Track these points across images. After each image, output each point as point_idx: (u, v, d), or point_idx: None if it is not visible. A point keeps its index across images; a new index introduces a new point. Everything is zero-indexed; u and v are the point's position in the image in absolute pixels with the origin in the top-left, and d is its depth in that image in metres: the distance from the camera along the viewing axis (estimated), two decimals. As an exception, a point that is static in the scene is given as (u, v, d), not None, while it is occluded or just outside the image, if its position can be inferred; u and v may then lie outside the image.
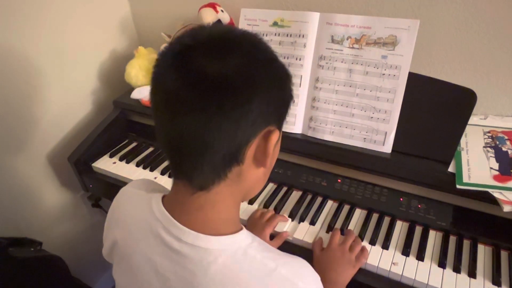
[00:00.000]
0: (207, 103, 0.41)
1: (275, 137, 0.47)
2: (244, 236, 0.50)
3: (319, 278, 0.51)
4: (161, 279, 0.49)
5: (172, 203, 0.51)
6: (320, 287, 0.51)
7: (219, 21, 1.11)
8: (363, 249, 0.80)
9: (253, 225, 0.87)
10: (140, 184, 0.61)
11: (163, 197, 0.53)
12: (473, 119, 0.94)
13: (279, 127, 0.49)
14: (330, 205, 0.94)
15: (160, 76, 0.45)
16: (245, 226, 0.50)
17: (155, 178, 1.07)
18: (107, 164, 1.15)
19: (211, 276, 0.45)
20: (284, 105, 0.50)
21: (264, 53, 0.47)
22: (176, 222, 0.48)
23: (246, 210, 0.94)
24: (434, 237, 0.83)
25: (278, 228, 0.87)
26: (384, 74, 0.87)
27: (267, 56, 0.47)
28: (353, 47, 0.89)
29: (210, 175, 0.46)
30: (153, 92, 0.47)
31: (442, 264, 0.76)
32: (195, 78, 0.41)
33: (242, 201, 0.55)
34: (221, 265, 0.45)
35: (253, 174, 0.50)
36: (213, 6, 1.09)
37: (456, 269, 0.75)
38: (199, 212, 0.48)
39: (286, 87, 0.49)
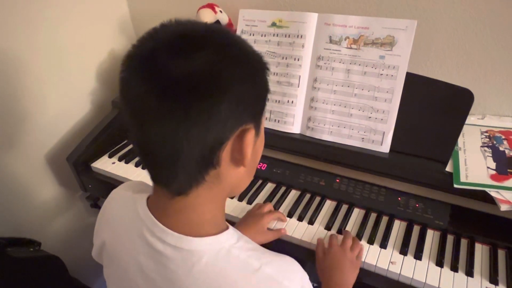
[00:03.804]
0: (172, 109, 0.39)
1: (251, 135, 0.45)
2: (229, 235, 0.49)
3: (306, 276, 0.51)
4: (147, 280, 0.49)
5: (154, 205, 0.50)
6: (307, 286, 0.51)
7: (217, 21, 1.12)
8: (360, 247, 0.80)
9: (252, 215, 0.87)
10: (129, 185, 0.61)
11: (148, 198, 0.52)
12: (470, 119, 0.95)
13: (256, 124, 0.47)
14: (328, 205, 0.94)
15: (126, 82, 0.43)
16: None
17: (154, 178, 1.07)
18: (106, 164, 1.15)
19: (194, 277, 0.45)
20: (260, 100, 0.47)
21: (233, 47, 0.44)
22: (159, 224, 0.48)
23: (244, 209, 0.94)
24: (431, 236, 0.83)
25: (276, 227, 0.88)
26: (382, 74, 0.87)
27: (237, 50, 0.44)
28: (351, 48, 0.90)
29: (186, 180, 0.45)
30: (120, 99, 0.44)
31: (439, 263, 0.76)
32: (159, 84, 0.39)
33: (229, 197, 0.54)
34: (204, 265, 0.45)
35: (233, 174, 0.48)
36: (211, 6, 1.10)
37: (454, 268, 0.75)
38: (181, 215, 0.48)
39: (260, 81, 0.46)
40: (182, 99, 0.39)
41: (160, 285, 0.48)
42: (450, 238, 0.82)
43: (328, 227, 0.87)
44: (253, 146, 0.47)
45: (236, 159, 0.46)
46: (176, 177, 0.44)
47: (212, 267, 0.45)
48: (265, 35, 0.98)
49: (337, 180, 0.96)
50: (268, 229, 0.86)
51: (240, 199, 0.97)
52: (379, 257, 0.79)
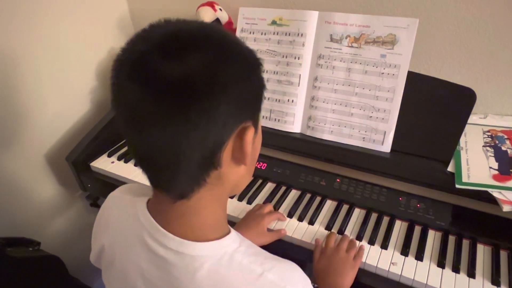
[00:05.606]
0: (171, 113, 0.38)
1: (251, 133, 0.44)
2: (231, 240, 0.48)
3: (309, 281, 0.50)
4: (148, 285, 0.48)
5: (155, 209, 0.50)
6: None
7: (217, 20, 1.11)
8: (359, 248, 0.79)
9: (252, 216, 0.86)
10: (128, 188, 0.60)
11: (148, 201, 0.51)
12: (472, 118, 0.94)
13: (255, 121, 0.46)
14: (329, 205, 0.94)
15: (118, 88, 0.42)
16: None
17: (154, 177, 1.06)
18: (106, 164, 1.14)
19: (197, 283, 0.44)
20: (257, 97, 0.46)
21: (226, 46, 0.42)
22: (160, 228, 0.47)
23: (244, 209, 0.93)
24: (433, 237, 0.82)
25: (276, 227, 0.87)
26: (383, 73, 0.86)
27: (231, 49, 0.43)
28: (352, 46, 0.89)
29: (188, 184, 0.44)
30: (114, 106, 0.43)
31: (441, 264, 0.76)
32: (154, 88, 0.38)
33: (229, 196, 0.54)
34: (207, 271, 0.44)
35: (235, 173, 0.47)
36: (211, 4, 1.09)
37: (455, 269, 0.74)
38: (183, 219, 0.47)
39: (256, 78, 0.45)
40: (179, 102, 0.38)
41: None
42: (451, 239, 0.81)
43: (328, 227, 0.86)
44: (253, 143, 0.47)
45: (237, 158, 0.45)
46: (178, 181, 0.43)
47: (215, 273, 0.45)
48: (265, 34, 0.98)
49: (338, 180, 0.96)
50: (268, 229, 0.85)
51: (240, 199, 0.96)
52: (380, 258, 0.78)
